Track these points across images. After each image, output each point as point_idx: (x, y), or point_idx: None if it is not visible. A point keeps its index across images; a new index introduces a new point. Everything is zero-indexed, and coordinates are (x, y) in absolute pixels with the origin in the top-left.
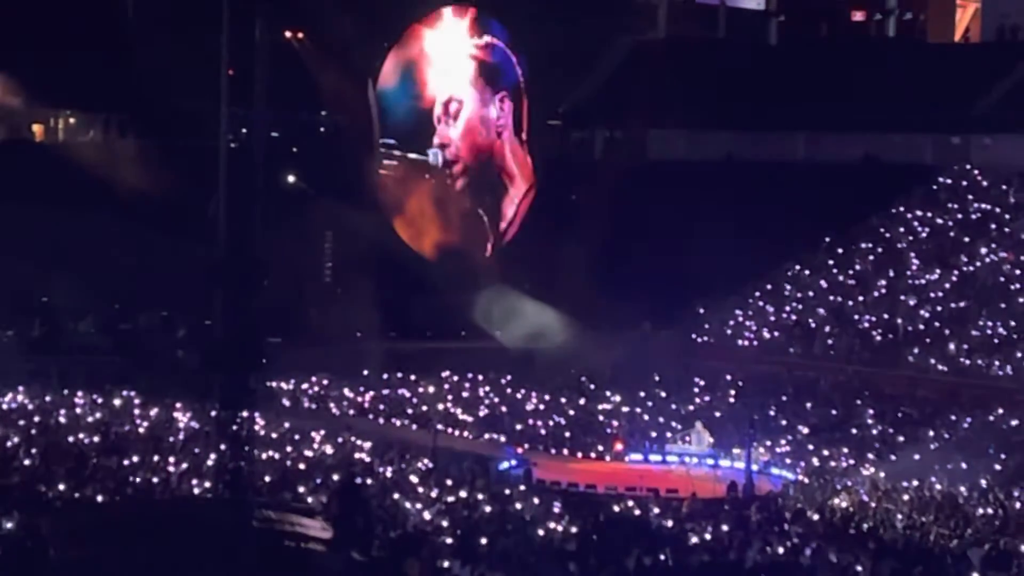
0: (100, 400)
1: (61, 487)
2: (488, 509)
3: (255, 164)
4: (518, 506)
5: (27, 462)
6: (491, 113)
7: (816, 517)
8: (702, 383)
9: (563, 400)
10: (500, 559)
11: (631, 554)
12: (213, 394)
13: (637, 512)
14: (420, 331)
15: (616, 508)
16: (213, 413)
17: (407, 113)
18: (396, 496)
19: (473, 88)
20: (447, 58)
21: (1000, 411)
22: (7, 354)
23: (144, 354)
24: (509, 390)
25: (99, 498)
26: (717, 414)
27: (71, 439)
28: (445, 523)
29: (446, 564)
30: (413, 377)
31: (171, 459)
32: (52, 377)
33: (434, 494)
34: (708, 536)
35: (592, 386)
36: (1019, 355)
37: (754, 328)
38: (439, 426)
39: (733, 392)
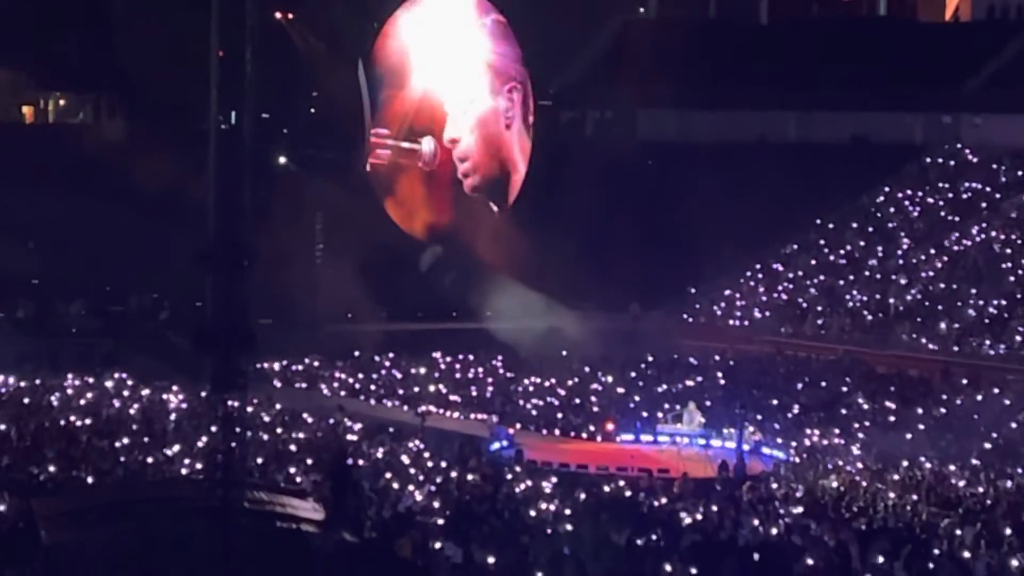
0: (91, 382)
1: (52, 469)
2: (479, 490)
3: (245, 146)
4: (510, 487)
5: (18, 444)
6: (500, 105)
7: (807, 497)
8: (693, 363)
9: (554, 381)
10: (491, 539)
11: (622, 534)
12: (204, 376)
13: (628, 492)
14: (411, 312)
15: (607, 488)
16: (204, 395)
17: (404, 103)
18: (387, 477)
19: (483, 81)
20: (456, 51)
21: (991, 390)
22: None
23: (134, 336)
24: (500, 371)
25: (90, 480)
26: (708, 394)
27: (62, 421)
28: (436, 504)
29: (437, 544)
30: (404, 359)
31: (162, 441)
32: (43, 359)
33: (425, 475)
34: (699, 516)
35: (583, 367)
36: (1010, 334)
37: (745, 307)
38: (426, 408)
39: (724, 372)
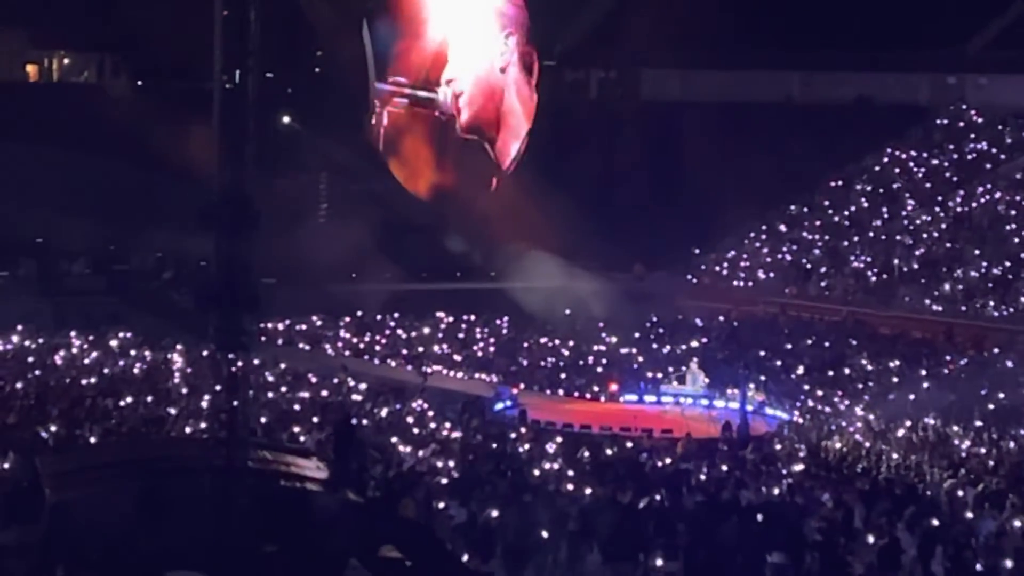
0: (95, 341)
1: (56, 428)
2: (483, 449)
3: (249, 105)
4: (513, 446)
5: (22, 403)
6: (496, 48)
7: (810, 457)
8: (697, 324)
9: (557, 341)
10: (495, 499)
11: (626, 494)
12: (208, 335)
13: (631, 453)
14: (415, 272)
15: (610, 449)
16: (207, 354)
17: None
18: (391, 437)
19: (481, 24)
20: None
21: (995, 351)
22: (1, 295)
23: (138, 295)
24: (504, 331)
25: (94, 439)
26: (712, 355)
27: (66, 380)
28: (440, 463)
29: (441, 504)
30: (408, 318)
31: (166, 400)
32: (47, 318)
33: (429, 435)
34: (703, 476)
35: (586, 327)
36: (1014, 295)
37: (749, 268)
38: (428, 367)
39: (728, 333)
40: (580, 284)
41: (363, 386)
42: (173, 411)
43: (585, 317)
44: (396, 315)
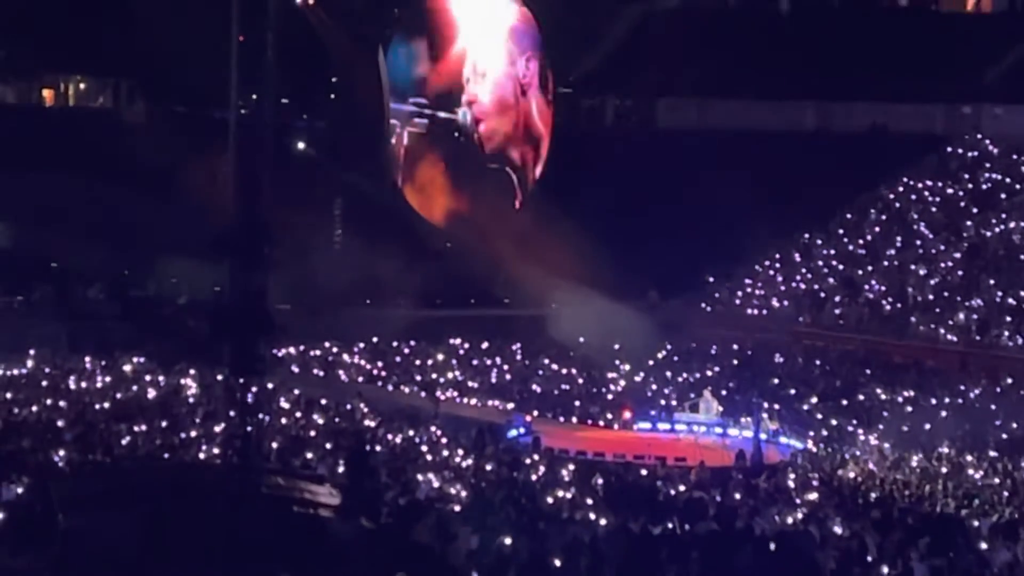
0: (109, 366)
1: (69, 453)
2: (497, 476)
3: (264, 131)
4: (527, 473)
5: (36, 427)
6: (518, 71)
7: (824, 486)
8: (711, 352)
9: (571, 368)
10: (508, 526)
11: (639, 522)
12: (222, 361)
13: (645, 480)
14: (429, 298)
15: (624, 477)
16: (222, 379)
17: (433, 72)
18: (405, 463)
19: (501, 47)
20: (475, 19)
21: (1008, 381)
22: (17, 319)
23: (153, 320)
24: (518, 358)
25: (107, 464)
26: (725, 383)
27: (80, 405)
28: (453, 490)
29: (454, 531)
30: (422, 345)
31: (180, 425)
32: (61, 342)
33: (442, 461)
34: (716, 504)
35: (600, 354)
36: None
37: (763, 296)
38: (442, 395)
39: (742, 361)
40: (594, 311)
41: (377, 412)
42: (187, 436)
43: (599, 344)
44: (410, 341)
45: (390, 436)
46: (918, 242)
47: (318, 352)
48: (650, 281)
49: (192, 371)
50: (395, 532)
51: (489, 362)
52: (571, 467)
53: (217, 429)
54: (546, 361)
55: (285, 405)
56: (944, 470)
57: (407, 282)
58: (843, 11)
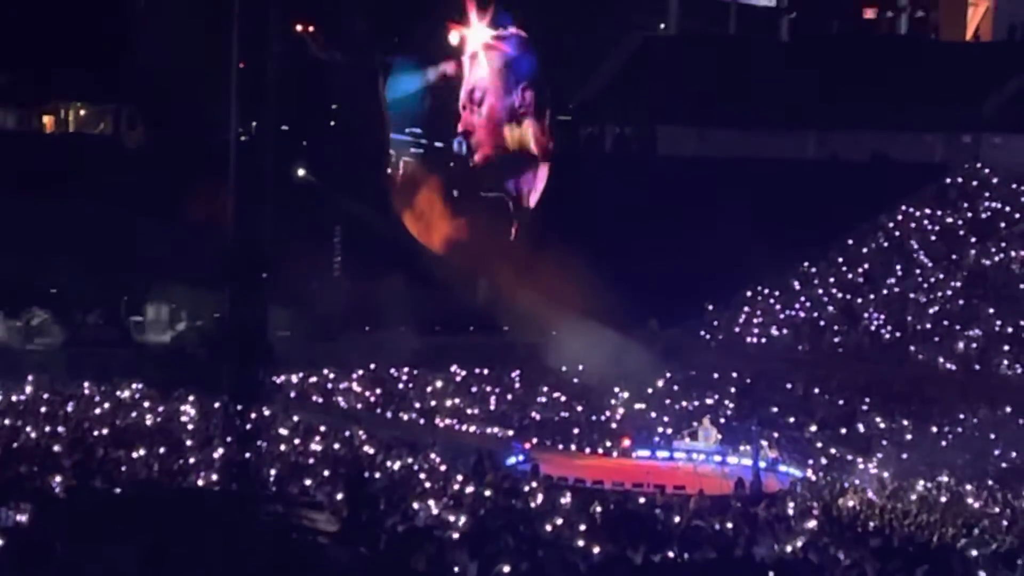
0: (108, 392)
1: (67, 479)
2: (495, 504)
3: (264, 158)
4: (525, 501)
5: (34, 453)
6: (514, 100)
7: (823, 515)
8: (710, 380)
9: (570, 396)
10: (507, 554)
11: (638, 550)
12: (221, 387)
13: (644, 509)
14: (428, 325)
15: (622, 505)
16: (221, 406)
17: (430, 102)
18: (403, 490)
19: (497, 76)
20: (472, 48)
21: (1008, 409)
22: (15, 345)
23: (152, 346)
24: (517, 385)
25: (106, 491)
26: (724, 411)
27: (78, 431)
28: (452, 518)
29: (452, 559)
30: (421, 371)
31: (178, 452)
32: (60, 368)
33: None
34: (715, 533)
35: (600, 382)
36: None
37: (763, 325)
38: (440, 422)
39: (741, 389)
40: (594, 339)
41: (375, 439)
42: (185, 463)
43: (599, 372)
44: (409, 368)
45: (388, 463)
46: (917, 270)
47: (316, 379)
48: (649, 309)
49: (191, 398)
50: (393, 559)
51: (488, 389)
52: (570, 495)
53: (216, 456)
54: (545, 388)
55: (283, 432)
56: (943, 499)
57: (406, 309)
58: (843, 40)
